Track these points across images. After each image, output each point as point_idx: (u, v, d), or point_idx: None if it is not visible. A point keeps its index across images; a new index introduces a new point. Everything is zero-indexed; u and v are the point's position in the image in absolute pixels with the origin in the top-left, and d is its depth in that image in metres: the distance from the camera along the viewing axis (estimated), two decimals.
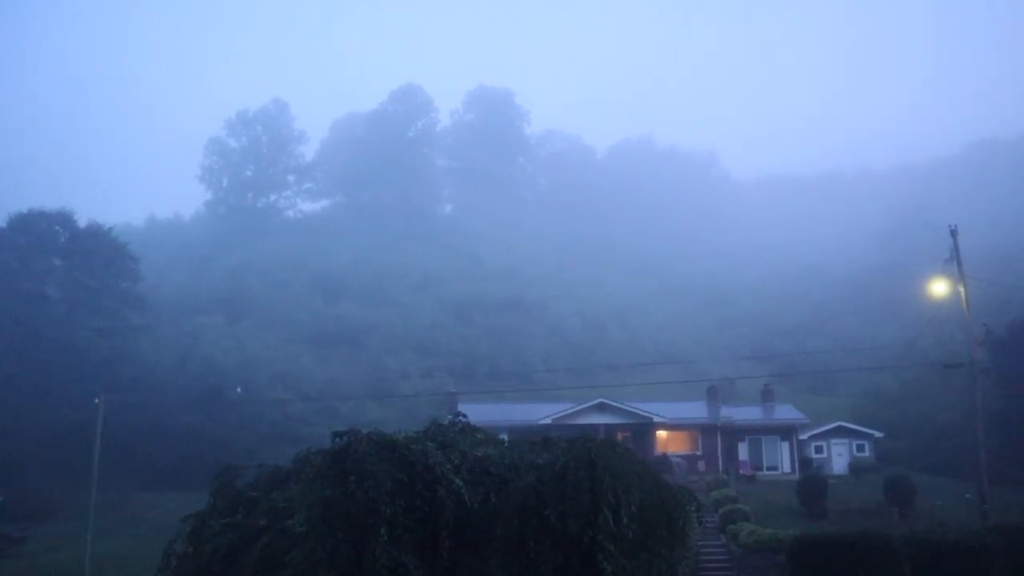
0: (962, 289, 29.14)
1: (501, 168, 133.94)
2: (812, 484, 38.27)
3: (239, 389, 61.44)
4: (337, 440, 14.40)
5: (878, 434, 52.88)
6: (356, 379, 69.33)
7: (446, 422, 15.78)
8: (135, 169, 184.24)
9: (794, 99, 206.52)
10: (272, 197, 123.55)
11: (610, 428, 45.70)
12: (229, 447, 49.06)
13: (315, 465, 14.21)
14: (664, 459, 44.80)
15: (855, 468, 49.43)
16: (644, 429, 48.35)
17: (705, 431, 49.96)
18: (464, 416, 16.16)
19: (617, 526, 12.94)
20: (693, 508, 14.86)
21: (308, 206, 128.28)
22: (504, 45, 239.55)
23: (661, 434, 49.39)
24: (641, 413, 47.98)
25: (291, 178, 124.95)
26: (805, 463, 49.43)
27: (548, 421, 45.40)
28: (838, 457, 51.66)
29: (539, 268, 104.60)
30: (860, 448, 52.19)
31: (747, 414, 52.20)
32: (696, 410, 51.93)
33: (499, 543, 13.41)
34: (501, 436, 19.74)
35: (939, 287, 30.21)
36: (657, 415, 47.88)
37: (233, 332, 73.95)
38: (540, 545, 13.30)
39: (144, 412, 51.13)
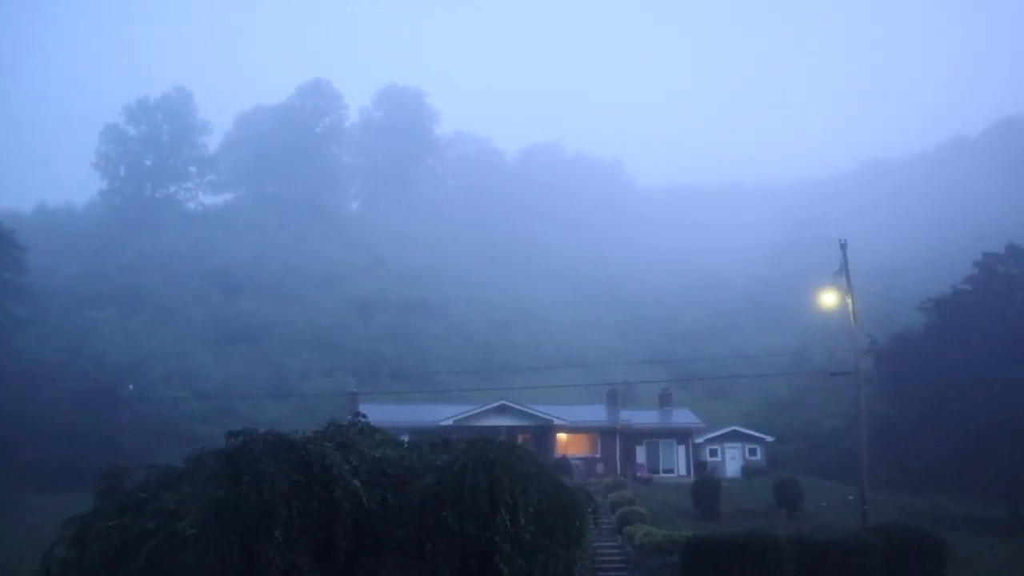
0: (850, 301, 30.44)
1: (409, 168, 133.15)
2: (706, 486, 39.33)
3: (131, 386, 59.24)
4: (232, 440, 14.06)
5: (769, 438, 54.79)
6: (255, 378, 67.79)
7: (345, 422, 15.61)
8: (24, 153, 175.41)
9: (698, 112, 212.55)
10: (172, 188, 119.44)
11: (511, 430, 45.91)
12: (119, 447, 47.20)
13: (208, 466, 13.84)
14: (564, 461, 45.29)
15: (747, 471, 51.06)
16: (545, 431, 48.80)
17: (604, 434, 50.74)
18: (364, 417, 16.00)
19: (514, 527, 13.03)
20: (590, 510, 15.07)
21: (210, 199, 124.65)
22: (416, 45, 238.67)
23: (561, 436, 49.92)
24: (542, 416, 48.42)
25: (192, 169, 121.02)
26: (700, 466, 50.78)
27: (450, 423, 45.34)
28: (731, 460, 53.29)
29: (444, 269, 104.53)
30: (752, 452, 53.97)
31: (645, 418, 53.28)
32: (596, 413, 52.73)
33: (396, 544, 13.34)
34: (402, 437, 19.63)
35: (829, 298, 31.46)
36: (558, 418, 48.40)
37: (127, 327, 71.35)
38: (437, 546, 13.27)
39: (28, 410, 48.73)
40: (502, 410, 48.30)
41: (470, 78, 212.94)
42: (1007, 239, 49.97)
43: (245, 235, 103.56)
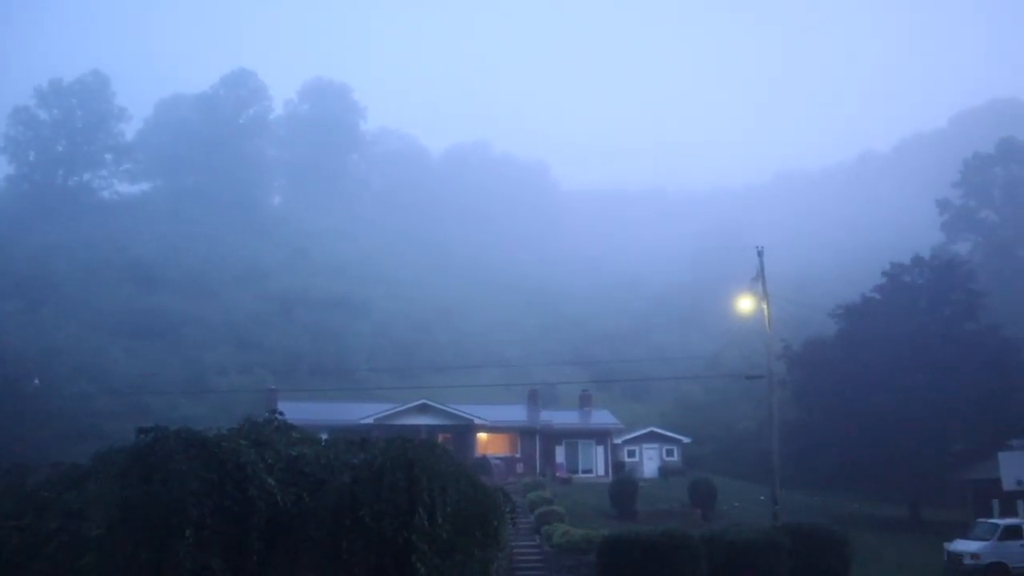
0: (765, 307, 31.24)
1: (334, 163, 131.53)
2: (623, 487, 39.89)
3: (37, 381, 56.94)
4: (142, 436, 13.66)
5: (686, 440, 55.88)
6: (170, 373, 65.92)
7: (262, 420, 15.32)
8: None
9: (622, 117, 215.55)
10: (86, 176, 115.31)
11: (432, 429, 45.78)
12: (23, 444, 45.35)
13: (116, 463, 13.41)
14: (484, 461, 45.34)
15: (664, 472, 51.97)
16: (465, 431, 48.80)
17: (524, 434, 50.99)
18: (281, 414, 15.73)
19: (432, 527, 13.00)
20: (508, 509, 15.13)
21: (126, 188, 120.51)
22: (343, 39, 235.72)
23: (482, 436, 49.98)
24: (463, 415, 48.40)
25: (108, 157, 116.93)
26: (618, 466, 51.45)
27: (370, 421, 44.97)
28: (649, 461, 54.15)
29: (368, 266, 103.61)
30: (670, 453, 54.95)
31: (565, 418, 53.75)
32: (517, 413, 52.98)
33: (311, 544, 13.16)
34: (321, 435, 19.36)
35: (745, 304, 32.19)
36: (478, 417, 48.45)
37: (34, 319, 68.59)
38: (353, 546, 13.14)
39: None
40: (423, 409, 48.10)
41: (397, 74, 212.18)
42: (914, 250, 52.19)
43: (163, 226, 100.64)
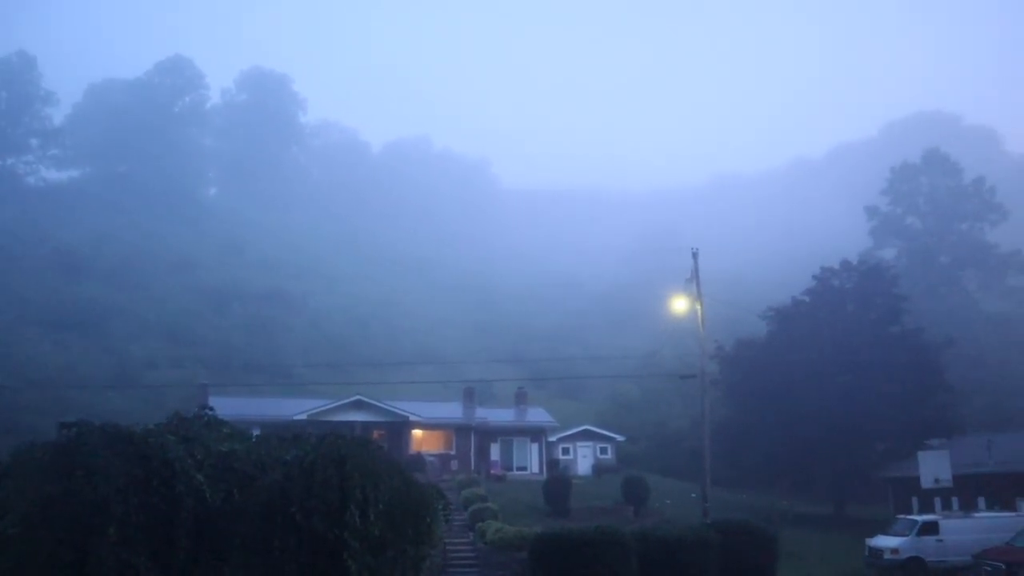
0: (699, 307, 31.73)
1: (272, 155, 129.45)
2: (557, 484, 40.14)
3: None
4: (64, 431, 13.26)
5: (620, 438, 56.46)
6: (96, 366, 64.14)
7: (191, 415, 15.01)
8: None
9: (562, 117, 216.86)
10: (9, 160, 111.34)
11: (367, 426, 45.48)
12: None
13: (37, 459, 12.99)
14: (418, 458, 45.27)
15: (598, 469, 52.43)
16: (400, 428, 48.56)
17: (459, 431, 50.96)
18: (211, 409, 15.43)
19: (364, 524, 12.90)
20: (441, 506, 15.09)
21: (53, 175, 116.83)
22: (283, 29, 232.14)
23: (417, 433, 49.79)
24: (398, 412, 48.14)
25: (34, 142, 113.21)
26: (553, 464, 51.74)
27: (303, 417, 44.42)
28: (583, 459, 54.59)
29: (304, 260, 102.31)
30: (603, 451, 55.46)
31: (501, 416, 53.87)
32: (452, 410, 52.91)
33: (241, 541, 12.95)
34: (253, 431, 19.07)
35: (679, 304, 32.62)
36: (413, 414, 48.24)
37: None
38: (284, 543, 12.97)
39: None
40: (358, 405, 47.69)
41: (338, 67, 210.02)
42: (842, 255, 53.62)
43: (91, 215, 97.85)
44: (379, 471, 13.57)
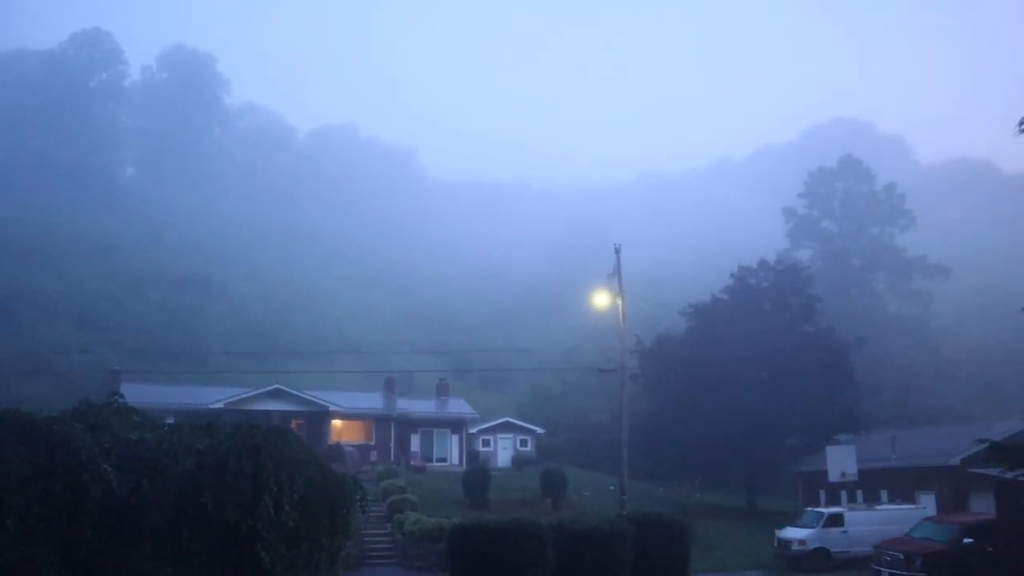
0: (620, 302, 32.17)
1: (194, 136, 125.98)
2: (476, 476, 40.20)
3: None
4: None
5: (540, 430, 56.92)
6: (3, 352, 61.59)
7: (100, 402, 14.53)
8: None
9: (492, 109, 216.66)
10: None
11: (285, 415, 44.83)
12: None
13: None
14: (337, 448, 44.83)
15: (518, 461, 52.71)
16: (319, 417, 47.99)
17: (380, 422, 50.66)
18: (121, 396, 14.97)
19: (278, 515, 12.71)
20: (358, 497, 14.94)
21: None
22: (207, 7, 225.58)
23: (336, 423, 49.32)
24: (317, 401, 47.56)
25: None
26: (473, 455, 51.86)
27: (220, 405, 43.50)
28: (503, 451, 54.87)
29: (225, 246, 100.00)
30: (524, 443, 55.84)
31: (421, 407, 53.73)
32: (373, 401, 52.56)
33: (150, 533, 12.62)
34: (167, 420, 18.60)
35: (601, 299, 33.04)
36: (333, 404, 47.74)
37: None
38: (195, 534, 12.69)
39: None
40: (276, 394, 46.96)
41: (264, 49, 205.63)
42: (761, 254, 54.99)
43: (0, 193, 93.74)
44: (295, 461, 13.37)
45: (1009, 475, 14.93)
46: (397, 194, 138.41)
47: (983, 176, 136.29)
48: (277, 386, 47.35)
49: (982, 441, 14.54)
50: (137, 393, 28.81)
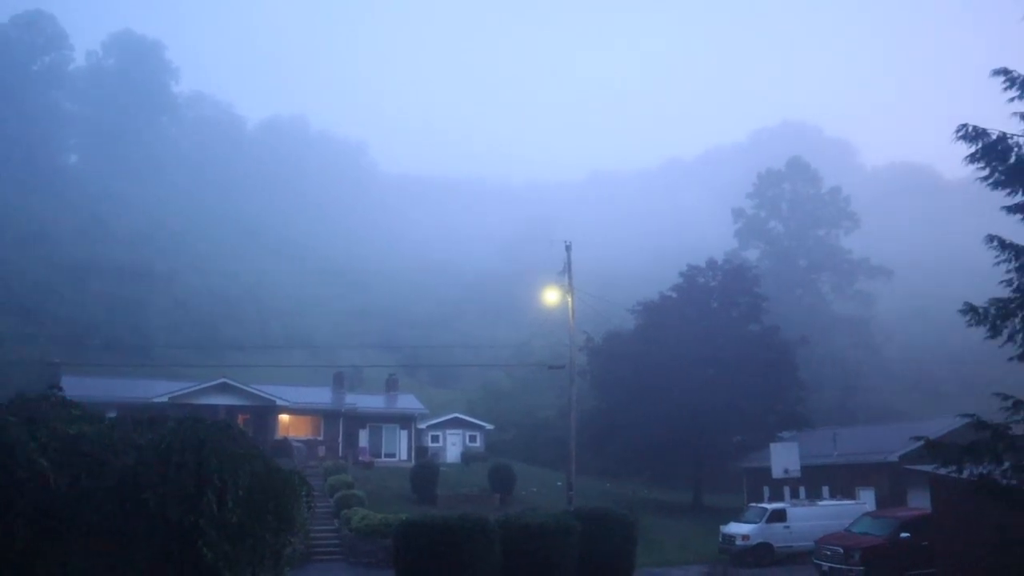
0: (570, 300, 32.37)
1: (140, 124, 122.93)
2: (425, 471, 40.14)
3: None
4: None
5: (489, 426, 57.00)
6: None
7: (36, 395, 14.14)
8: None
9: (444, 104, 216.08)
10: None
11: (231, 410, 44.22)
12: None
13: None
14: (285, 443, 44.40)
15: (467, 457, 52.76)
16: (266, 412, 47.42)
17: (328, 417, 50.25)
18: (59, 389, 14.59)
19: (221, 511, 12.50)
20: (304, 493, 14.78)
21: None
22: None
23: (284, 418, 48.80)
24: (264, 396, 46.99)
25: None
26: (421, 451, 51.74)
27: (164, 399, 42.75)
28: (452, 447, 54.83)
29: (171, 237, 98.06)
30: (473, 439, 55.86)
31: (370, 402, 53.43)
32: (321, 395, 52.09)
33: (88, 529, 12.33)
34: (109, 414, 18.18)
35: (551, 296, 33.22)
36: (280, 398, 47.23)
37: None
38: (135, 531, 12.43)
39: None
40: (222, 388, 46.27)
41: (213, 37, 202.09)
42: (710, 254, 55.70)
43: None
44: (240, 456, 13.15)
45: (943, 471, 15.33)
46: (348, 188, 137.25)
47: (924, 180, 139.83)
48: (223, 380, 46.64)
49: (918, 439, 14.90)
50: (77, 386, 28.14)
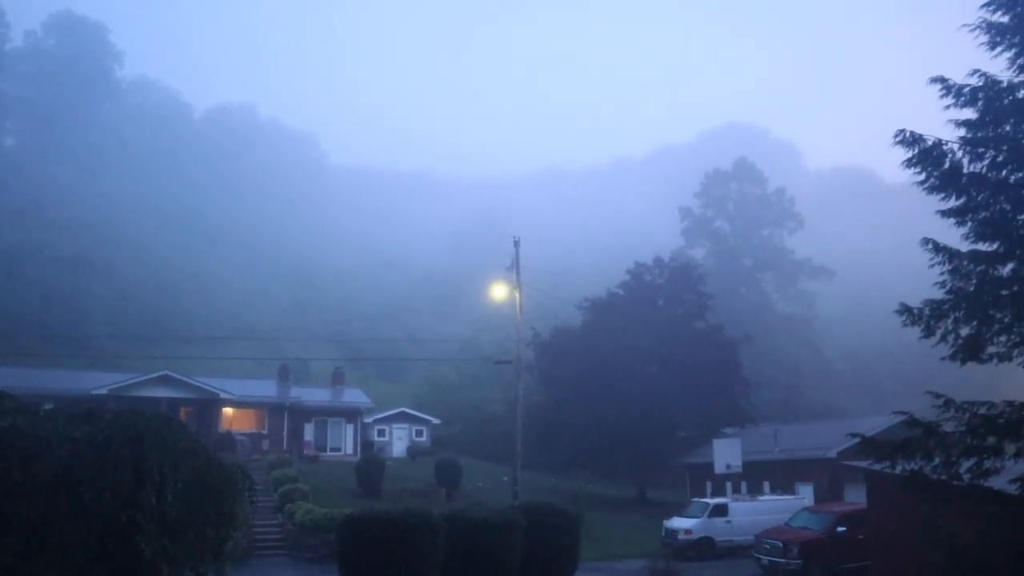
0: (518, 295, 32.45)
1: (82, 109, 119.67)
2: (370, 466, 39.91)
3: None
4: None
5: (436, 421, 56.89)
6: None
7: None
8: None
9: (395, 96, 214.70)
10: None
11: (173, 402, 43.48)
12: None
13: None
14: (228, 437, 43.83)
15: (413, 451, 52.59)
16: (210, 405, 46.68)
17: (273, 410, 49.67)
18: None
19: (160, 505, 12.29)
20: (246, 487, 14.59)
21: None
22: None
23: (228, 411, 48.12)
24: (208, 388, 46.23)
25: None
26: (368, 445, 51.45)
27: (104, 392, 41.82)
28: (398, 441, 54.62)
29: (113, 225, 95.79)
30: (419, 433, 55.70)
31: (316, 396, 52.96)
32: (266, 389, 51.50)
33: (20, 524, 12.01)
34: (45, 406, 17.74)
35: (499, 291, 33.26)
36: (224, 391, 46.52)
37: None
38: (70, 526, 12.14)
39: None
40: (164, 381, 45.37)
41: (159, 21, 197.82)
42: (657, 252, 56.30)
43: None
44: (180, 450, 12.93)
45: (878, 467, 15.76)
46: (297, 179, 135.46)
47: (866, 184, 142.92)
48: (166, 372, 45.76)
49: (855, 436, 15.29)
50: (11, 377, 27.53)
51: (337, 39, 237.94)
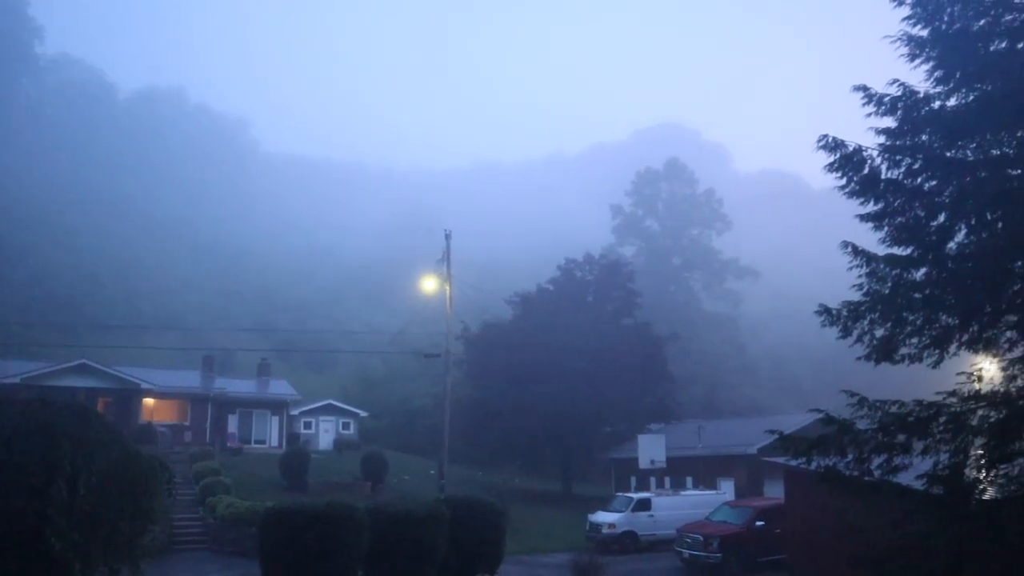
0: (448, 288, 32.41)
1: None
2: (295, 458, 39.39)
3: None
4: None
5: (363, 413, 56.46)
6: None
7: None
8: None
9: (329, 85, 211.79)
10: None
11: (91, 392, 42.23)
12: None
13: None
14: (148, 428, 42.79)
15: (340, 444, 52.09)
16: (130, 395, 45.43)
17: (196, 401, 48.61)
18: None
19: (72, 499, 11.93)
20: (164, 480, 14.26)
21: None
22: None
23: (148, 401, 46.91)
24: (127, 378, 44.99)
25: None
26: (293, 438, 50.76)
27: (16, 380, 40.26)
28: (325, 433, 54.02)
29: (28, 208, 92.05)
30: (346, 426, 55.18)
31: (241, 387, 51.99)
32: (189, 379, 50.39)
33: None
34: None
35: (429, 284, 33.19)
36: (145, 381, 45.35)
37: None
38: None
39: None
40: (82, 370, 44.01)
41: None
42: (589, 248, 56.77)
43: None
44: (95, 441, 12.56)
45: (795, 463, 16.20)
46: (225, 165, 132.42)
47: (792, 188, 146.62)
48: (83, 361, 44.38)
49: (773, 432, 15.68)
50: None
51: (271, 25, 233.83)
